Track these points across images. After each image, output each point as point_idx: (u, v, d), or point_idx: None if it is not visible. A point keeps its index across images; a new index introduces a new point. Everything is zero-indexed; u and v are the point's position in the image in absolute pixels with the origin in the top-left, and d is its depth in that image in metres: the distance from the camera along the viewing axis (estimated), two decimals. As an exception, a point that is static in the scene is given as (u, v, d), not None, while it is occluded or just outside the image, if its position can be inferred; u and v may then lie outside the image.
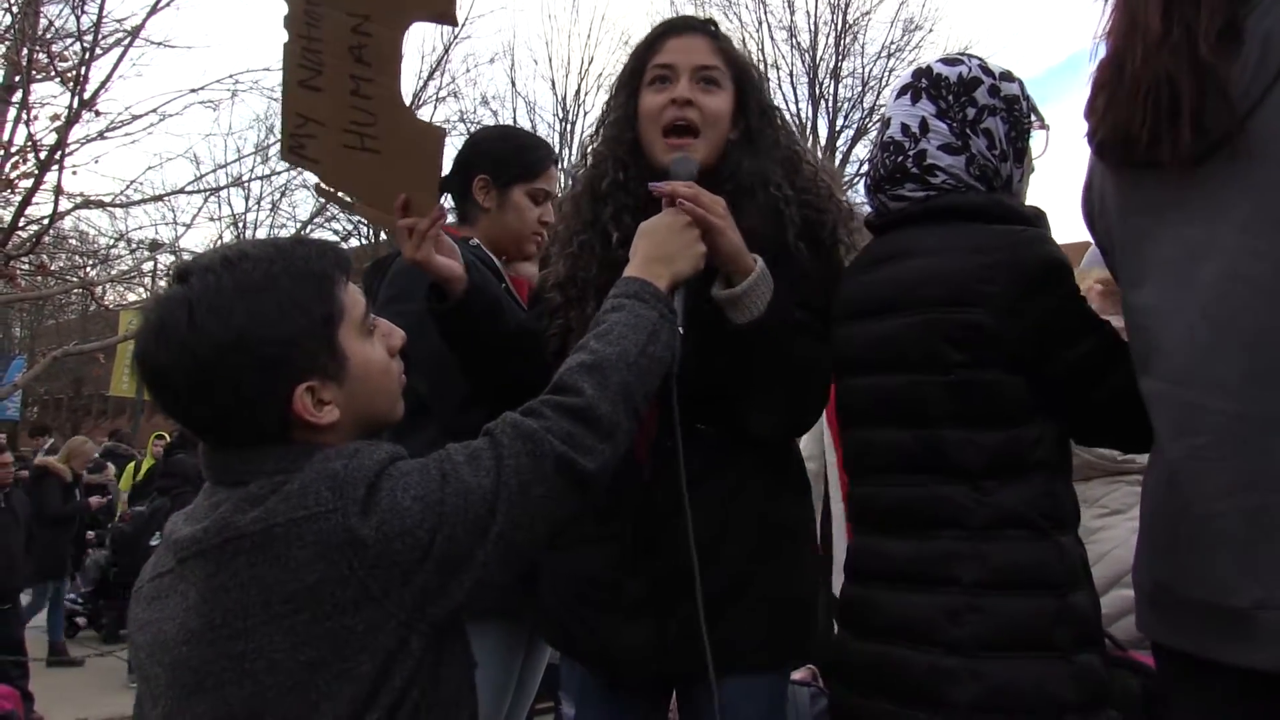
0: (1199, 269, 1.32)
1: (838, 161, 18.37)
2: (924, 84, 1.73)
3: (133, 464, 11.24)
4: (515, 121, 17.72)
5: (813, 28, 19.18)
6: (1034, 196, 1.88)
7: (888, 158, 1.73)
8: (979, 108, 1.70)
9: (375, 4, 1.80)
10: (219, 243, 11.27)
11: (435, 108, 13.81)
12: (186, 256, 9.40)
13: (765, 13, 19.07)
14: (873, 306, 1.71)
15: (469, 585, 1.24)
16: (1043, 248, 1.60)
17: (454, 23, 1.88)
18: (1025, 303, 1.55)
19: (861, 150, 19.26)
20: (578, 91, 19.32)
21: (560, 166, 2.62)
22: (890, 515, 1.66)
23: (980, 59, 1.76)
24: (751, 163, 1.89)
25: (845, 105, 19.47)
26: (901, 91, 1.76)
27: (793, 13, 19.18)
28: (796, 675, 2.57)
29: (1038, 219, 1.68)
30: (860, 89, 19.40)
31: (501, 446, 1.29)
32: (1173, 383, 1.36)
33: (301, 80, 1.85)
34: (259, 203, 17.09)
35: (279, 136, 2.02)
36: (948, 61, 1.76)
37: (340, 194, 1.94)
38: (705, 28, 1.97)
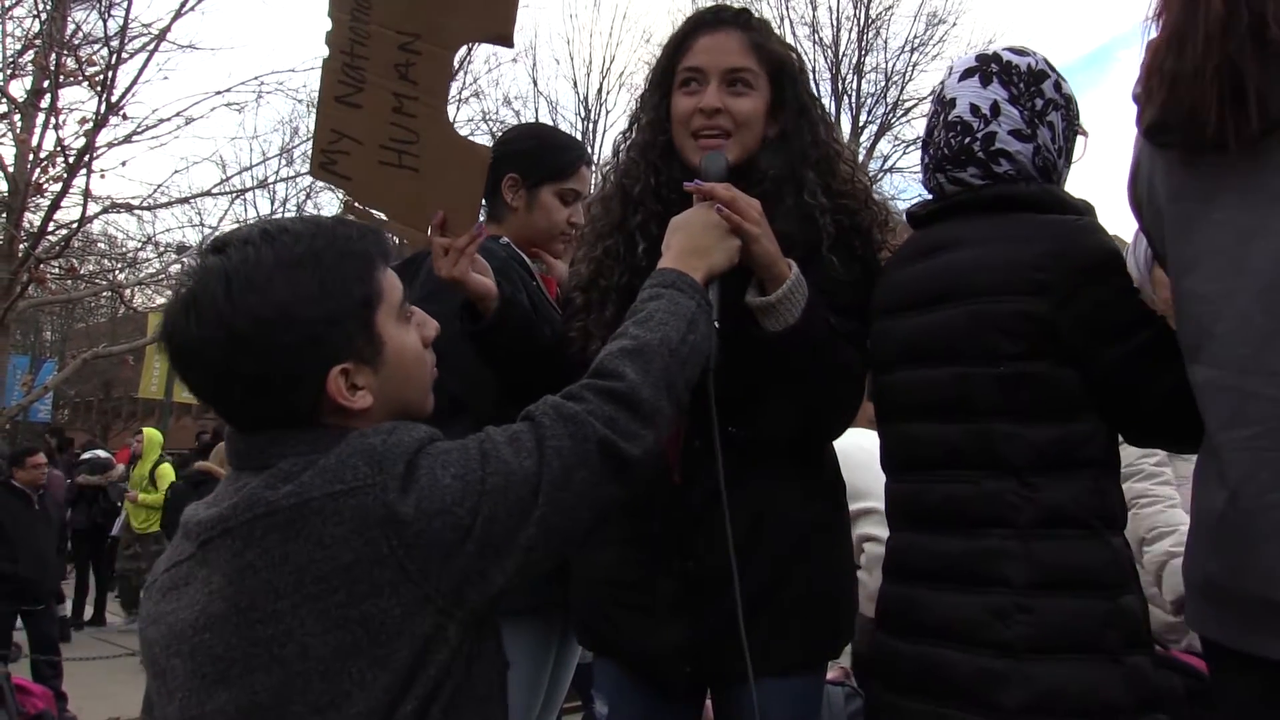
0: (1252, 255, 1.29)
1: (861, 157, 18.28)
2: (994, 69, 1.71)
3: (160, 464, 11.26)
4: (537, 121, 17.72)
5: (835, 23, 19.09)
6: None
7: (953, 138, 1.71)
8: (1046, 100, 1.69)
9: (427, 23, 1.78)
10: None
11: (458, 108, 13.82)
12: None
13: (787, 8, 18.99)
14: (920, 299, 1.68)
15: (511, 570, 1.20)
16: (1096, 237, 1.58)
17: (510, 44, 1.81)
18: (1079, 292, 1.53)
19: (885, 145, 19.19)
20: (600, 90, 19.34)
21: (590, 166, 2.59)
22: (935, 512, 1.63)
23: (1043, 55, 1.74)
24: (785, 166, 1.85)
25: (868, 100, 19.38)
26: (968, 74, 1.73)
27: (815, 8, 19.10)
28: (830, 675, 2.55)
29: (1088, 210, 1.66)
30: (883, 84, 19.32)
31: (543, 429, 1.26)
32: (1226, 370, 1.33)
33: (339, 96, 1.85)
34: (284, 205, 17.22)
35: (304, 139, 2.01)
36: (1016, 51, 1.74)
37: (370, 210, 1.93)
38: (738, 20, 1.90)
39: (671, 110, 1.89)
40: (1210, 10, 1.28)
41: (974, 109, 1.69)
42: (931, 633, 1.58)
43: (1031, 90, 1.69)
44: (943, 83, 1.78)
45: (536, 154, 2.46)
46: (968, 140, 1.68)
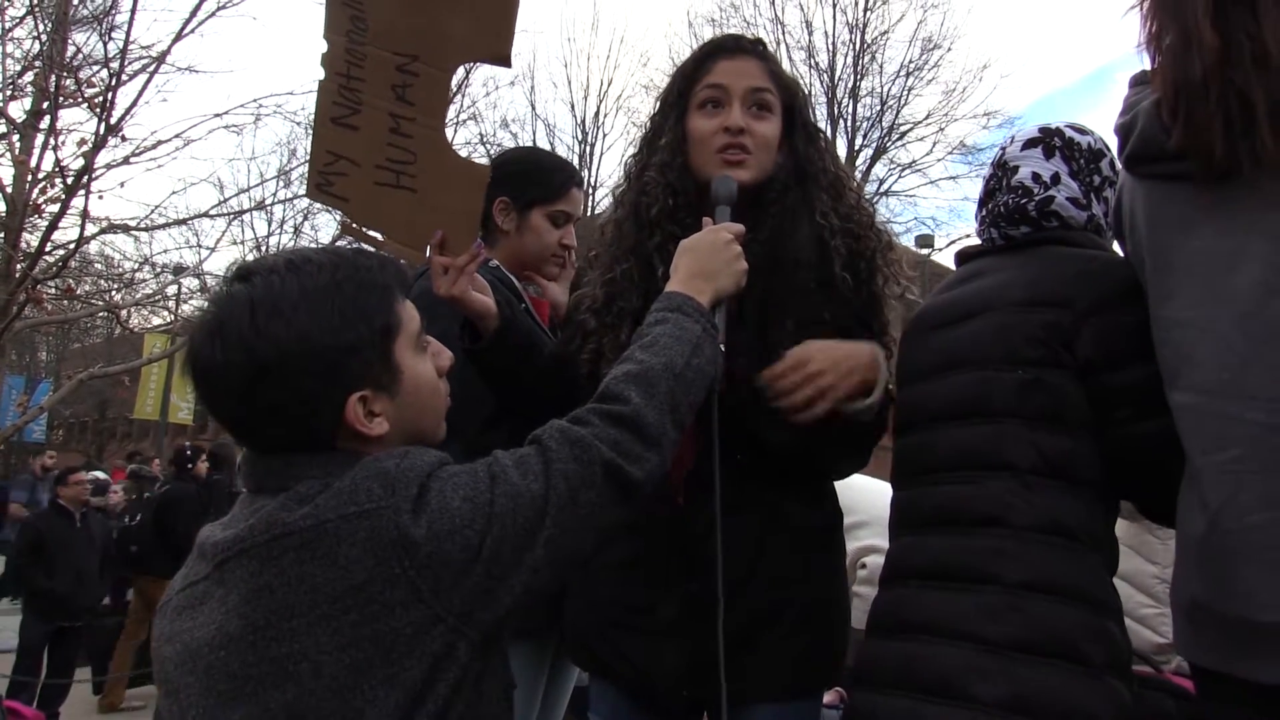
0: (1231, 281, 1.31)
1: (857, 179, 18.31)
2: (1058, 143, 1.79)
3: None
4: (535, 144, 17.78)
5: (831, 48, 19.24)
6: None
7: (1011, 198, 1.78)
8: (1103, 177, 1.77)
9: (424, 44, 1.79)
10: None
11: (455, 131, 13.84)
12: (210, 280, 9.50)
13: (783, 33, 19.13)
14: (953, 316, 1.74)
15: (519, 590, 1.22)
16: (1128, 270, 1.61)
17: (508, 64, 1.81)
18: (1100, 309, 1.57)
19: (880, 169, 19.28)
20: (597, 114, 19.48)
21: (581, 188, 2.60)
22: (935, 513, 1.65)
23: (1100, 135, 1.82)
24: (799, 189, 1.87)
25: (864, 124, 19.49)
26: (1031, 144, 1.81)
27: (810, 33, 19.25)
28: (826, 699, 2.54)
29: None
30: (879, 108, 19.44)
31: (550, 452, 1.29)
32: (1206, 395, 1.35)
33: (335, 117, 1.85)
34: (281, 226, 17.26)
35: (302, 161, 2.01)
36: (1077, 129, 1.82)
37: (368, 231, 1.94)
38: (755, 48, 1.93)
39: (688, 130, 1.89)
40: (1203, 42, 1.28)
41: (1036, 177, 1.77)
42: (917, 629, 1.59)
43: (1090, 167, 1.77)
44: (1003, 149, 1.86)
45: (526, 176, 2.47)
46: (1024, 201, 1.75)
